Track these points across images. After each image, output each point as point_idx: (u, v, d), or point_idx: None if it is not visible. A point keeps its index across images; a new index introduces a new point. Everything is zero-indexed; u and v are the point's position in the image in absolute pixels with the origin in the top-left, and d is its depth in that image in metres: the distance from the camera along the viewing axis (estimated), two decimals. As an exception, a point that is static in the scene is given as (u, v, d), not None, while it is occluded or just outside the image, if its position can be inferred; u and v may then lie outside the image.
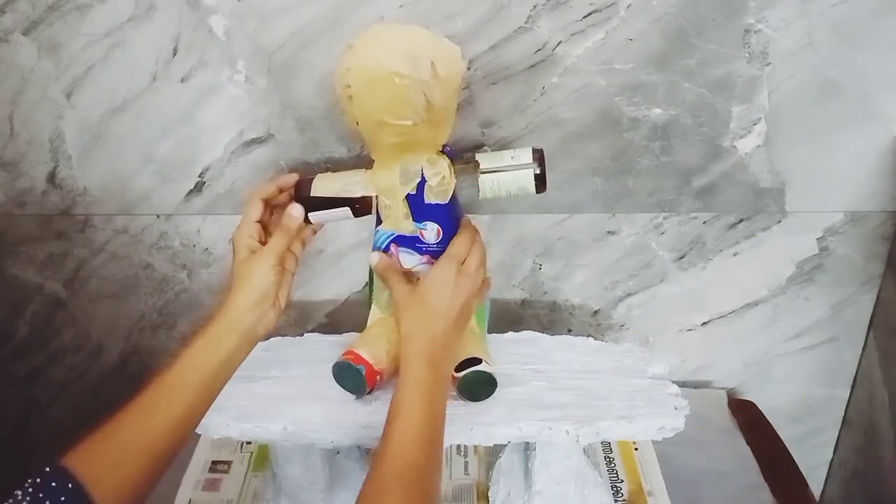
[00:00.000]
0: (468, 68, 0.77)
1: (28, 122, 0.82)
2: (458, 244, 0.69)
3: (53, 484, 0.49)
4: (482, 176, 0.69)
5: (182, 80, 0.80)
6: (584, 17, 0.75)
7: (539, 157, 0.69)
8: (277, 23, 0.76)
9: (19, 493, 0.48)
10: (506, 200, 0.77)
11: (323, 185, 0.71)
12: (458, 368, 0.70)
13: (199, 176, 0.86)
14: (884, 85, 0.79)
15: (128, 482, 0.53)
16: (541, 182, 0.69)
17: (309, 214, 0.71)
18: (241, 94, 0.80)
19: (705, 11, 0.75)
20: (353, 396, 0.72)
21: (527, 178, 0.68)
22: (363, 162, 0.76)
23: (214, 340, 0.61)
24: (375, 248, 0.74)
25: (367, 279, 0.91)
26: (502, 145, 0.82)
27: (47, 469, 0.49)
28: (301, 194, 0.71)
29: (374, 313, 0.78)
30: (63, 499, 0.48)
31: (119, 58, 0.78)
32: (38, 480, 0.48)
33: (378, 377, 0.71)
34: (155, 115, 0.82)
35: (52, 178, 0.86)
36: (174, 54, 0.78)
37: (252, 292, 0.63)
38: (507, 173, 0.68)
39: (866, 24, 0.75)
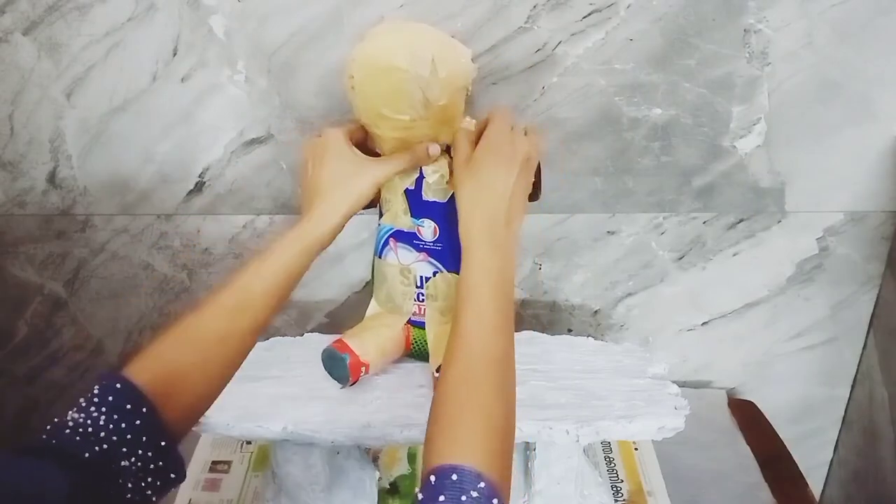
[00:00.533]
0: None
1: (28, 121, 0.82)
2: (500, 112, 0.63)
3: (118, 385, 0.49)
4: None
5: (182, 80, 0.80)
6: (584, 17, 0.75)
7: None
8: (277, 23, 0.76)
9: (83, 400, 0.48)
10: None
11: None
12: (439, 368, 0.70)
13: (200, 176, 0.86)
14: (884, 85, 0.79)
15: (192, 390, 0.53)
16: (534, 190, 0.69)
17: None
18: (241, 94, 0.80)
19: (705, 11, 0.75)
20: (340, 385, 0.72)
21: None
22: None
23: (302, 244, 0.60)
24: (377, 241, 0.75)
25: (367, 278, 0.92)
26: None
27: (111, 379, 0.49)
28: None
29: (373, 307, 0.78)
30: (129, 406, 0.48)
31: (119, 58, 0.78)
32: (103, 388, 0.48)
33: (363, 369, 0.71)
34: (155, 115, 0.82)
35: (52, 177, 0.86)
36: (174, 54, 0.78)
37: (349, 200, 0.62)
38: None
39: (866, 24, 0.75)
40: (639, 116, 0.81)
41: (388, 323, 0.76)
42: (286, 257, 0.59)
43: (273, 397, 0.73)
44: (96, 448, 0.46)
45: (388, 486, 0.83)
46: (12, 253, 0.92)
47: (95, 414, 0.47)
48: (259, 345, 0.81)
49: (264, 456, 0.87)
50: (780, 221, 0.88)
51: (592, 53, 0.77)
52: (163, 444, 0.49)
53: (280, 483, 0.76)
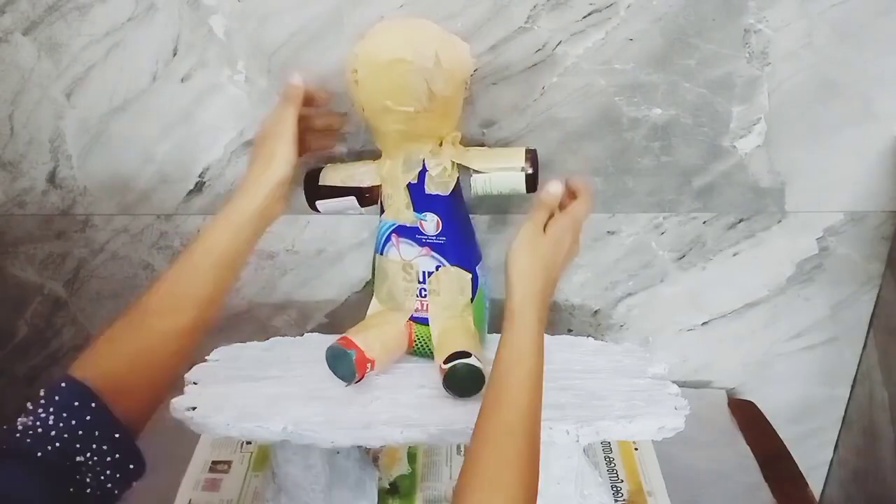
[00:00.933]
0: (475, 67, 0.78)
1: (28, 121, 0.82)
2: (583, 208, 0.67)
3: (63, 385, 0.49)
4: (475, 175, 0.70)
5: (182, 80, 0.80)
6: (584, 16, 0.75)
7: (532, 157, 0.70)
8: (277, 23, 0.76)
9: (30, 404, 0.48)
10: (506, 200, 0.78)
11: (331, 175, 0.75)
12: (447, 360, 0.70)
13: (199, 176, 0.86)
14: (884, 85, 0.79)
15: (139, 384, 0.54)
16: (532, 183, 0.70)
17: (317, 203, 0.75)
18: (241, 94, 0.80)
19: (705, 11, 0.75)
20: (345, 383, 0.72)
21: (518, 179, 0.70)
22: (365, 158, 0.78)
23: (231, 223, 0.60)
24: (378, 238, 0.75)
25: (367, 278, 0.92)
26: (502, 146, 0.82)
27: (56, 379, 0.50)
28: (310, 183, 0.75)
29: (374, 305, 0.79)
30: (76, 403, 0.48)
31: (119, 58, 0.78)
32: (48, 389, 0.49)
33: (369, 365, 0.71)
34: (155, 115, 0.82)
35: (52, 177, 0.86)
36: (174, 54, 0.78)
37: (269, 171, 0.63)
38: (499, 174, 0.70)
39: (866, 24, 0.75)
40: (639, 116, 0.81)
41: (391, 320, 0.76)
42: (218, 245, 0.59)
43: (273, 397, 0.73)
44: (49, 447, 0.46)
45: (388, 486, 0.83)
46: (12, 253, 0.92)
47: (44, 415, 0.48)
48: (258, 345, 0.81)
49: (264, 456, 0.87)
50: (780, 221, 0.88)
51: (592, 53, 0.77)
52: (117, 436, 0.50)
53: (280, 483, 0.76)
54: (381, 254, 0.76)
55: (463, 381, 0.70)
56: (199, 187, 0.86)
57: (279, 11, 0.75)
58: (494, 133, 0.82)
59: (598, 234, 0.89)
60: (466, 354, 0.70)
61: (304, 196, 0.76)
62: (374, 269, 0.78)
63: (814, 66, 0.78)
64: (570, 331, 0.96)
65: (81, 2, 0.75)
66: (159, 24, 0.76)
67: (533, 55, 0.77)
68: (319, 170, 0.76)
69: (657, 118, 0.81)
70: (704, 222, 0.88)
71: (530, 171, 0.70)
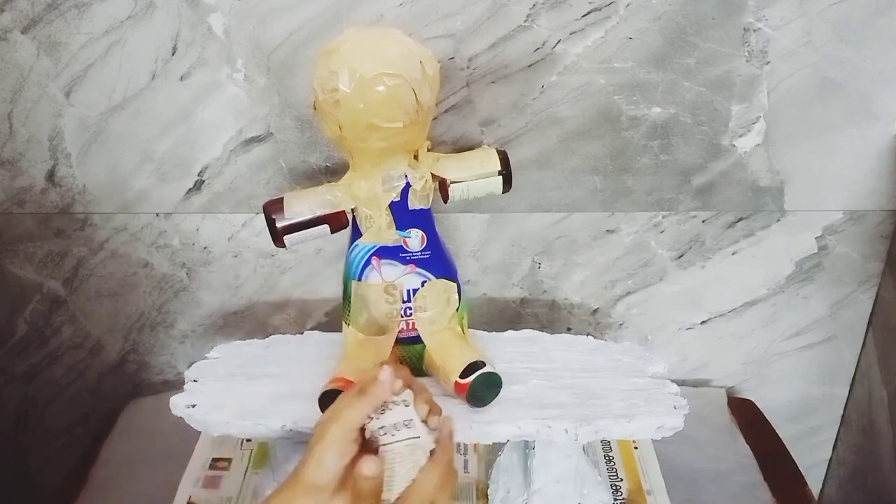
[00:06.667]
0: (467, 66, 0.78)
1: (27, 120, 0.82)
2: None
3: None
4: (453, 185, 0.70)
5: (181, 79, 0.80)
6: (584, 15, 0.75)
7: (504, 159, 0.70)
8: (277, 21, 0.76)
9: None
10: (503, 200, 0.77)
11: (298, 206, 0.69)
12: (464, 375, 0.69)
13: (199, 174, 0.86)
14: (883, 84, 0.79)
15: None
16: (507, 184, 0.70)
17: (285, 238, 0.69)
18: (241, 92, 0.80)
19: (705, 10, 0.75)
20: None
21: (496, 183, 0.70)
22: (322, 176, 0.78)
23: None
24: (354, 264, 0.72)
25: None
26: (502, 144, 0.82)
27: None
28: (274, 218, 0.68)
29: (352, 334, 0.74)
30: None
31: (118, 56, 0.78)
32: None
33: None
34: (154, 113, 0.82)
35: (51, 176, 0.86)
36: (173, 52, 0.78)
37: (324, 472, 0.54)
38: (477, 181, 0.70)
39: (865, 23, 0.75)
40: (638, 115, 0.81)
41: (379, 349, 0.73)
42: None
43: (273, 395, 0.73)
44: None
45: (388, 485, 0.83)
46: (11, 251, 0.92)
47: None
48: (258, 342, 0.81)
49: (264, 454, 0.87)
50: (779, 220, 0.88)
51: (592, 52, 0.77)
52: None
53: (280, 481, 0.76)
54: (360, 279, 0.72)
55: (487, 391, 0.69)
56: (198, 186, 0.86)
57: (278, 9, 0.75)
58: (494, 132, 0.82)
59: (598, 232, 0.89)
60: (481, 364, 0.69)
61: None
62: (348, 296, 0.74)
63: (813, 64, 0.78)
64: (569, 329, 0.97)
65: (80, 0, 0.75)
66: (158, 22, 0.76)
67: (532, 54, 0.77)
68: (280, 200, 0.69)
69: (656, 117, 0.81)
70: (704, 221, 0.88)
71: (505, 173, 0.70)
